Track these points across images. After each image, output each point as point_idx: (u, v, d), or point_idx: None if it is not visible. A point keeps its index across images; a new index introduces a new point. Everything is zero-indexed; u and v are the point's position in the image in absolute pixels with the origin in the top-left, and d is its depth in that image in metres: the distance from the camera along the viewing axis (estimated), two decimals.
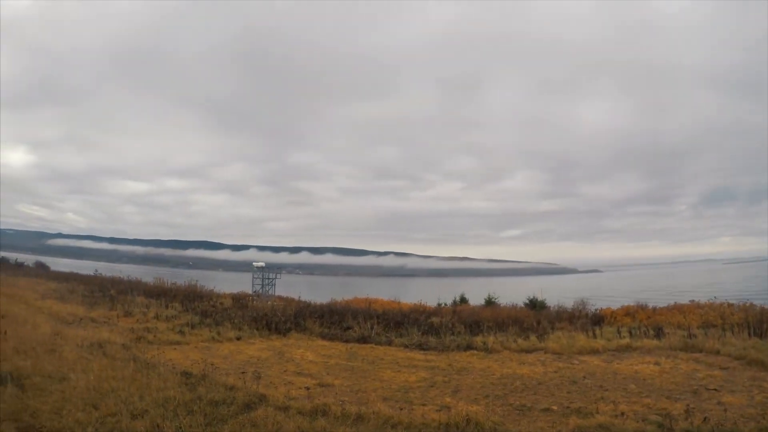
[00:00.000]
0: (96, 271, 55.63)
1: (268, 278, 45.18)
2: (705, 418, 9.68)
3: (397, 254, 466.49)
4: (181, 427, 8.37)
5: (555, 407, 11.37)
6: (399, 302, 40.72)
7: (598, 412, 10.45)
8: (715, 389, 13.01)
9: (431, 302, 40.08)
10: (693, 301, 31.40)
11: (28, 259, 79.06)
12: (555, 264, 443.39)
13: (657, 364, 16.50)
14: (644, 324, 25.87)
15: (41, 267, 67.09)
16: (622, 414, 10.30)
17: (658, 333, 22.06)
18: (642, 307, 31.68)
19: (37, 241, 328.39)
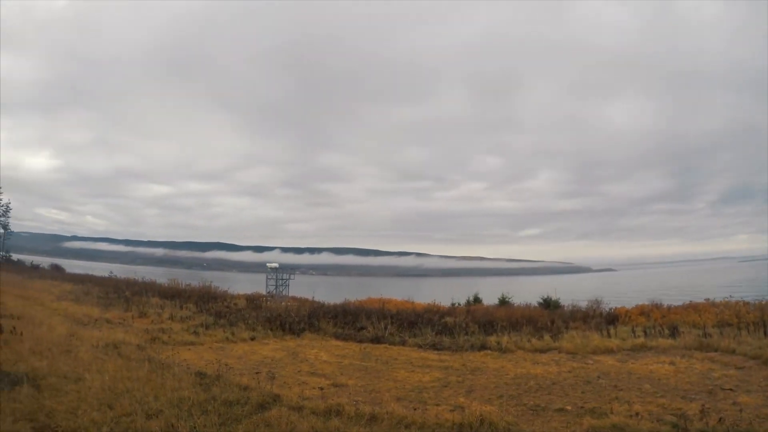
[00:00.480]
0: (111, 272, 55.88)
1: (282, 279, 45.27)
2: (720, 419, 9.63)
3: (411, 254, 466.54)
4: (195, 427, 8.42)
5: (569, 407, 11.33)
6: (413, 302, 40.67)
7: (612, 413, 10.40)
8: (731, 389, 12.91)
9: (445, 302, 39.99)
10: (708, 299, 31.14)
11: (44, 261, 79.65)
12: (569, 263, 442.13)
13: (672, 363, 16.40)
14: (659, 323, 25.73)
15: (56, 269, 67.52)
16: (637, 414, 10.25)
17: (673, 332, 21.93)
18: (657, 306, 31.45)
19: (52, 243, 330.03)
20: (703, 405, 10.42)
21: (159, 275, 60.17)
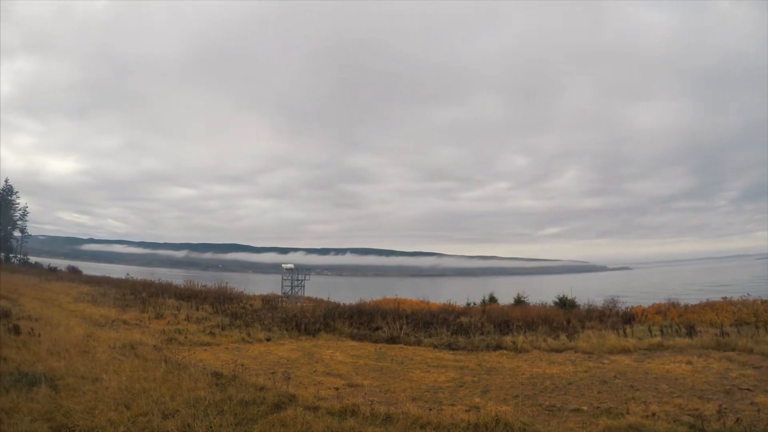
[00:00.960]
0: (127, 274, 56.25)
1: (298, 280, 45.36)
2: (738, 419, 9.57)
3: (426, 254, 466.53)
4: (211, 427, 8.48)
5: (585, 407, 11.31)
6: (428, 302, 40.65)
7: (628, 413, 10.37)
8: (748, 389, 12.83)
9: (460, 302, 39.95)
10: (725, 298, 30.88)
11: (61, 263, 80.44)
12: (585, 262, 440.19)
13: (689, 363, 16.31)
14: (676, 322, 25.49)
15: (73, 271, 68.10)
16: (653, 415, 10.21)
17: (690, 331, 21.76)
18: (673, 305, 31.27)
19: (69, 246, 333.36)
20: (720, 405, 10.37)
21: (176, 277, 60.51)
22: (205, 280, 52.73)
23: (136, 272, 69.77)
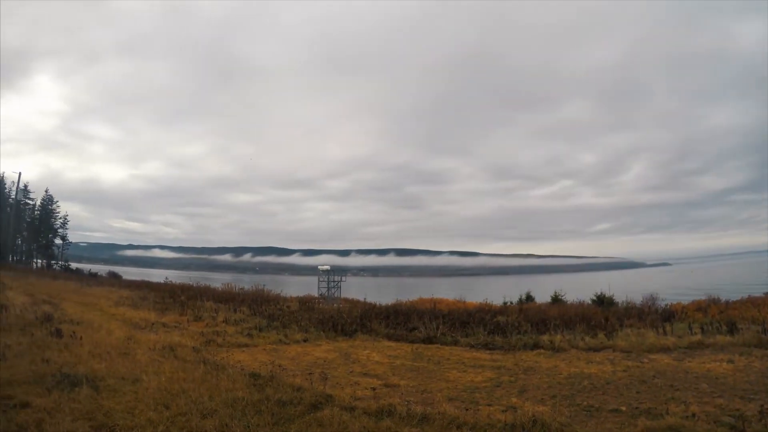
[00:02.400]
0: (166, 278, 57.01)
1: (333, 281, 45.62)
2: None
3: (463, 254, 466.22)
4: (249, 426, 8.55)
5: (624, 408, 11.16)
6: (464, 302, 40.63)
7: (668, 413, 10.20)
8: None
9: (497, 301, 39.80)
10: None
11: (101, 269, 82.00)
12: (622, 258, 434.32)
13: (730, 361, 16.00)
14: (716, 319, 25.02)
15: (114, 276, 69.23)
16: (693, 415, 10.04)
17: (731, 329, 21.35)
18: (714, 302, 30.84)
19: (109, 252, 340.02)
20: (762, 405, 10.12)
21: (212, 280, 61.18)
22: (246, 283, 53.45)
23: (174, 276, 70.73)
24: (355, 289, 57.39)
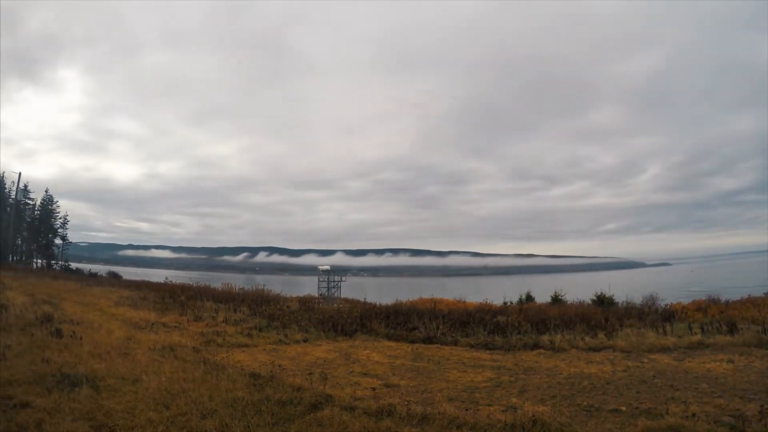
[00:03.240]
0: (166, 278, 56.97)
1: (334, 281, 45.63)
2: None
3: (463, 253, 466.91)
4: (249, 426, 8.56)
5: (624, 408, 11.16)
6: (464, 302, 40.64)
7: (668, 413, 10.20)
8: None
9: (497, 301, 39.81)
10: None
11: (101, 269, 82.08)
12: (623, 258, 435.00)
13: (730, 361, 16.02)
14: (716, 319, 25.04)
15: (114, 276, 69.21)
16: (693, 415, 10.03)
17: (731, 328, 21.38)
18: (714, 302, 30.85)
19: (109, 252, 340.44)
20: (762, 405, 10.10)
21: (210, 280, 61.19)
22: (244, 282, 53.48)
23: (174, 276, 70.68)
24: (356, 289, 57.44)
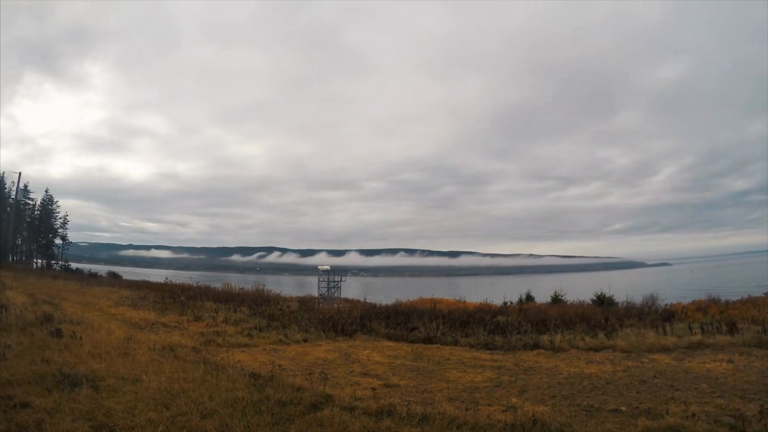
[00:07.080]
0: (166, 278, 56.94)
1: (334, 281, 45.59)
2: None
3: (463, 253, 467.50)
4: (248, 426, 8.54)
5: (624, 408, 11.16)
6: (464, 302, 40.62)
7: (668, 413, 10.19)
8: None
9: (497, 301, 39.81)
10: None
11: (102, 269, 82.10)
12: (623, 258, 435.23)
13: (730, 361, 16.03)
14: (716, 319, 25.06)
15: (114, 276, 69.18)
16: (693, 415, 10.02)
17: (731, 328, 21.38)
18: (714, 302, 30.86)
19: (109, 252, 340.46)
20: (762, 405, 10.10)
21: (209, 280, 61.22)
22: (242, 282, 53.39)
23: (174, 276, 70.63)
24: (356, 289, 57.45)
